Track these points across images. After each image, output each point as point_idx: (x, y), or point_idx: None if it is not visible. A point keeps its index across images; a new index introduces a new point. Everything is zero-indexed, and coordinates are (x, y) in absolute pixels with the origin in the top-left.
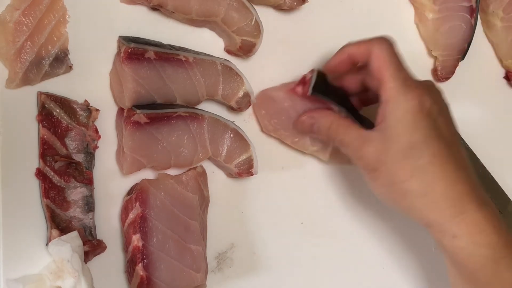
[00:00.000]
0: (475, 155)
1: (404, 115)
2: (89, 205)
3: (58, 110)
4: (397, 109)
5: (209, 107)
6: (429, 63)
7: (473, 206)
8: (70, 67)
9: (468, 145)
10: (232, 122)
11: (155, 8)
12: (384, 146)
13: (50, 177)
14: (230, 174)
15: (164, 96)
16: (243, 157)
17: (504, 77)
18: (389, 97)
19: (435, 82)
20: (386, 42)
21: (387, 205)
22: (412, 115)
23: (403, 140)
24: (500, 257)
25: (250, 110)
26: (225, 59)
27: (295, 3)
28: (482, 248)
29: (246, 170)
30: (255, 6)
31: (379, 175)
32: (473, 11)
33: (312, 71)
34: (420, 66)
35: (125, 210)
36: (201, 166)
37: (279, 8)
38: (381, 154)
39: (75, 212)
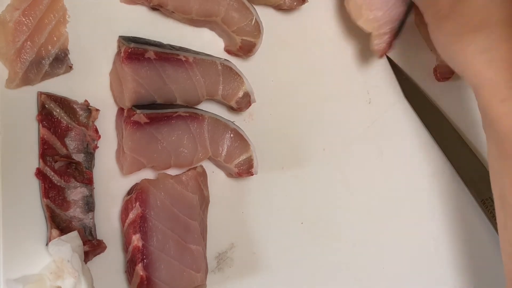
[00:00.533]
0: (475, 154)
1: None
2: (89, 205)
3: (58, 110)
4: None
5: (209, 107)
6: (429, 63)
7: None
8: (70, 67)
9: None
10: (232, 122)
11: (155, 8)
12: None
13: (50, 177)
14: (230, 174)
15: (164, 96)
16: (243, 157)
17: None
18: None
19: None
20: None
21: (444, 58)
22: None
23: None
24: None
25: (250, 110)
26: (225, 59)
27: (295, 3)
28: None
29: (246, 170)
30: (255, 6)
31: (447, 22)
32: None
33: None
34: (420, 65)
35: (125, 210)
36: (201, 166)
37: (279, 8)
38: (457, 2)
39: (75, 212)
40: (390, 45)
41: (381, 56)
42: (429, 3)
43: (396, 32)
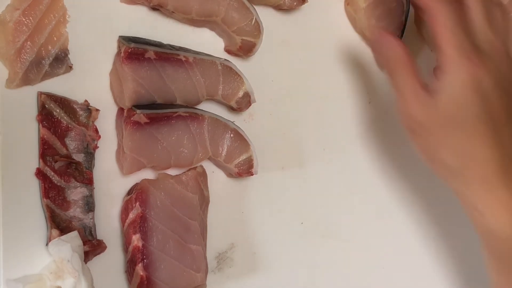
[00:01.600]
0: None
1: (456, 89)
2: (89, 205)
3: (58, 110)
4: (451, 81)
5: (209, 107)
6: (429, 63)
7: (504, 186)
8: (70, 67)
9: None
10: (232, 122)
11: (155, 8)
12: (435, 113)
13: (50, 177)
14: (230, 174)
15: (164, 96)
16: (243, 157)
17: None
18: (444, 65)
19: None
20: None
21: (433, 171)
22: (464, 90)
23: (456, 114)
24: None
25: (250, 110)
26: (225, 59)
27: (295, 3)
28: (506, 226)
29: (246, 170)
30: (255, 6)
31: (418, 138)
32: None
33: None
34: (420, 65)
35: (125, 210)
36: (201, 166)
37: (279, 8)
38: (428, 119)
39: (75, 212)
40: None
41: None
42: (402, 113)
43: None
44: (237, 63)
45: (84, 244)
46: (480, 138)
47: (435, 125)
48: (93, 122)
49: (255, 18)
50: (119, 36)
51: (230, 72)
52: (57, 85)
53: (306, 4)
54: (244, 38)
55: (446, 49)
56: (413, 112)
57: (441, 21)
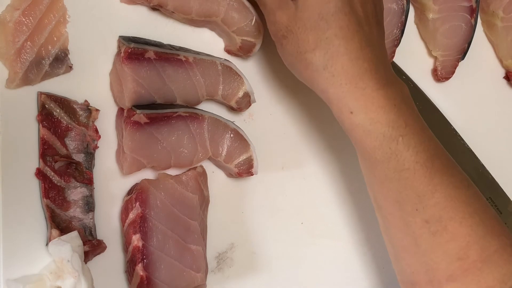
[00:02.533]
0: (475, 154)
1: None
2: (89, 205)
3: (58, 110)
4: None
5: (209, 107)
6: (429, 63)
7: (373, 83)
8: (70, 67)
9: (467, 144)
10: (232, 122)
11: (155, 8)
12: (296, 15)
13: (50, 177)
14: (230, 174)
15: (164, 96)
16: (243, 157)
17: (504, 77)
18: None
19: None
20: None
21: (296, 76)
22: None
23: (314, 11)
24: (398, 135)
25: (250, 110)
26: (225, 59)
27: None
28: (379, 125)
29: (246, 170)
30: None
31: (287, 43)
32: (473, 11)
33: None
34: (420, 66)
35: (125, 210)
36: (201, 166)
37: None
38: (291, 22)
39: (75, 212)
40: (394, 53)
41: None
42: (270, 21)
43: (399, 40)
44: (237, 63)
45: (84, 244)
46: (346, 33)
47: (300, 26)
48: (93, 122)
49: (255, 18)
50: (119, 36)
51: (230, 72)
52: (57, 85)
53: None
54: (244, 38)
55: None
56: (278, 18)
57: None
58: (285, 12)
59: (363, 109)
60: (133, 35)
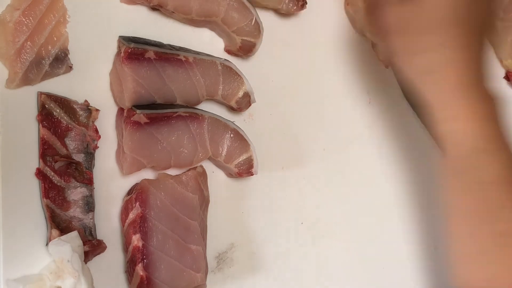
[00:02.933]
0: None
1: None
2: (89, 205)
3: (58, 110)
4: None
5: (209, 107)
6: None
7: (474, 96)
8: (70, 67)
9: None
10: (232, 122)
11: (155, 8)
12: (418, 13)
13: (50, 177)
14: (230, 174)
15: (164, 96)
16: (243, 157)
17: (504, 77)
18: None
19: None
20: None
21: (393, 68)
22: None
23: (437, 13)
24: (488, 148)
25: (250, 110)
26: (225, 59)
27: (293, 9)
28: (471, 136)
29: (246, 170)
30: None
31: (396, 39)
32: None
33: None
34: None
35: (125, 210)
36: (201, 166)
37: (277, 12)
38: (410, 19)
39: (75, 212)
40: None
41: (388, 66)
42: (383, 12)
43: None
44: (237, 63)
45: (84, 244)
46: (461, 42)
47: (417, 25)
48: (93, 122)
49: (255, 18)
50: (119, 36)
51: (230, 72)
52: (57, 85)
53: (306, 5)
54: (244, 38)
55: None
56: (396, 11)
57: None
58: (407, 8)
59: (460, 118)
60: (133, 35)
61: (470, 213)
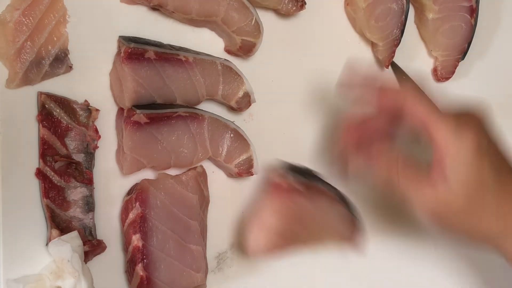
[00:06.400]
0: None
1: (462, 156)
2: (89, 205)
3: (58, 110)
4: (454, 151)
5: (209, 107)
6: (429, 63)
7: None
8: (70, 67)
9: None
10: (232, 122)
11: (155, 8)
12: (453, 192)
13: (50, 177)
14: (230, 174)
15: (164, 96)
16: (243, 157)
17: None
18: (443, 141)
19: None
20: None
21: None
22: (471, 154)
23: (468, 187)
24: None
25: (250, 110)
26: (225, 59)
27: (292, 10)
28: None
29: (246, 170)
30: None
31: (455, 220)
32: (473, 11)
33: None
34: (420, 66)
35: (125, 210)
36: (201, 166)
37: (277, 12)
38: (452, 200)
39: (75, 212)
40: (394, 53)
41: (388, 66)
42: (420, 200)
43: (399, 40)
44: (237, 63)
45: (84, 244)
46: (504, 194)
47: (460, 202)
48: (93, 122)
49: (255, 18)
50: (119, 36)
51: (230, 72)
52: (57, 85)
53: (306, 5)
54: (244, 38)
55: (441, 126)
56: (438, 197)
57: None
58: (443, 192)
59: None
60: (133, 35)
61: None
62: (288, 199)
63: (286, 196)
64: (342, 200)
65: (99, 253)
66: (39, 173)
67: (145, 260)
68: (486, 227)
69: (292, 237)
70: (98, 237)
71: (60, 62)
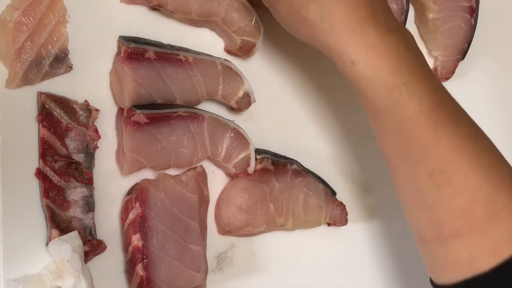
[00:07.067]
0: None
1: None
2: (89, 205)
3: (58, 110)
4: None
5: (209, 107)
6: (429, 63)
7: (373, 31)
8: (70, 67)
9: None
10: (232, 121)
11: (155, 8)
12: None
13: (50, 177)
14: (229, 174)
15: (164, 96)
16: (242, 155)
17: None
18: None
19: None
20: None
21: (296, 36)
22: None
23: None
24: (401, 83)
25: (250, 110)
26: (225, 59)
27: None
28: (381, 73)
29: (243, 169)
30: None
31: (279, 5)
32: (473, 11)
33: None
34: None
35: (125, 210)
36: (201, 166)
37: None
38: None
39: (75, 212)
40: None
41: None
42: None
43: None
44: (237, 63)
45: (84, 244)
46: None
47: None
48: (93, 122)
49: (255, 18)
50: (119, 36)
51: (230, 72)
52: (57, 85)
53: None
54: (244, 38)
55: None
56: None
57: None
58: None
59: (364, 57)
60: (133, 35)
61: (400, 156)
62: (257, 178)
63: (255, 175)
64: (316, 177)
65: (99, 253)
66: (39, 173)
67: (145, 260)
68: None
69: (263, 214)
70: (98, 237)
71: (60, 62)
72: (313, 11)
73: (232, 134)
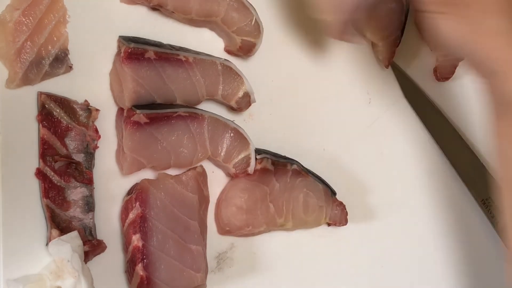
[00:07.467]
0: (475, 154)
1: None
2: (89, 205)
3: (58, 110)
4: None
5: (209, 107)
6: (429, 63)
7: None
8: (70, 67)
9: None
10: (232, 121)
11: (155, 8)
12: None
13: (50, 177)
14: (229, 174)
15: (164, 96)
16: (242, 155)
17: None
18: None
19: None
20: None
21: (447, 45)
22: None
23: None
24: None
25: (250, 110)
26: (225, 59)
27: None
28: None
29: (243, 169)
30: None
31: (453, 8)
32: None
33: None
34: (420, 66)
35: (125, 210)
36: (201, 166)
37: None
38: None
39: (75, 212)
40: (394, 53)
41: (387, 66)
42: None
43: (399, 40)
44: (237, 63)
45: (84, 244)
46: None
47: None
48: (93, 122)
49: (255, 18)
50: (119, 36)
51: (230, 72)
52: (57, 85)
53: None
54: (244, 38)
55: None
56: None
57: None
58: None
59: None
60: (133, 35)
61: None
62: (257, 179)
63: (255, 175)
64: (316, 177)
65: (99, 253)
66: (39, 173)
67: (145, 260)
68: None
69: (263, 214)
70: (98, 237)
71: (60, 62)
72: (492, 23)
73: (232, 134)
